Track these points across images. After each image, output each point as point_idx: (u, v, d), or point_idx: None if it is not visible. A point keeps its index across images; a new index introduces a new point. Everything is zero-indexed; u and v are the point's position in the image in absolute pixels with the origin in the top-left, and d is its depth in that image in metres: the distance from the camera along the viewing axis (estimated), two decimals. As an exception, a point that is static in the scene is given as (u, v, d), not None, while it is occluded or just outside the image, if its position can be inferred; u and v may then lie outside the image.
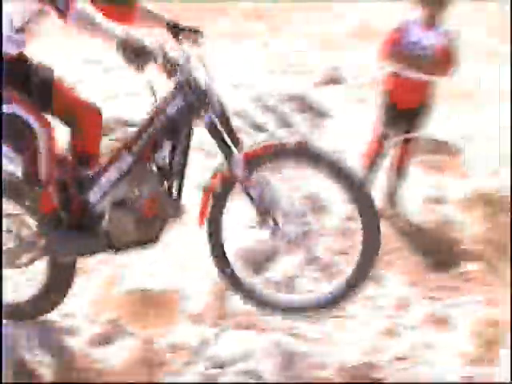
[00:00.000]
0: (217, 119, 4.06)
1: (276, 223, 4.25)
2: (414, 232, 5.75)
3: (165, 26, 4.52)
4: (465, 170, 8.91)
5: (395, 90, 6.80)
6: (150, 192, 4.21)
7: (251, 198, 4.22)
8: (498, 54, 13.40)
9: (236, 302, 4.74)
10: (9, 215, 4.50)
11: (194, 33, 4.37)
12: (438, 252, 4.69)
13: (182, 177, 4.26)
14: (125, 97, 8.54)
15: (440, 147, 9.38)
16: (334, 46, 13.36)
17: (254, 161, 4.18)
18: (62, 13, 3.97)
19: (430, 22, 6.53)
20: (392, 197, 6.92)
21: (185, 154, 4.23)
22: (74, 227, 4.31)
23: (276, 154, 4.34)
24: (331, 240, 4.83)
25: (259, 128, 7.92)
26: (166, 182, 4.26)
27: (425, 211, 7.38)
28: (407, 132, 6.94)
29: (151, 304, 4.76)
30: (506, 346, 4.38)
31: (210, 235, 4.42)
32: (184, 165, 4.26)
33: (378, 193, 7.31)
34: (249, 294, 4.44)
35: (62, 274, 4.56)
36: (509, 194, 7.28)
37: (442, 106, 8.96)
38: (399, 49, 6.59)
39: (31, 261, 4.60)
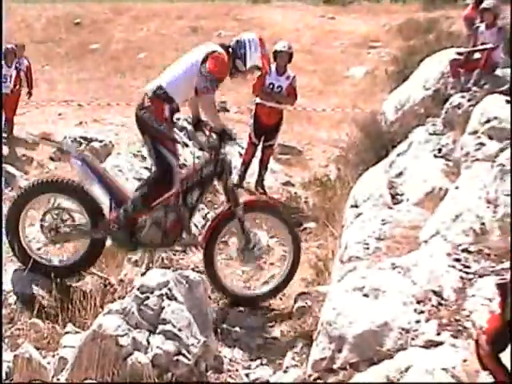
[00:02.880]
0: (230, 181, 4.76)
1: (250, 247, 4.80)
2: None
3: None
4: (305, 163, 9.14)
5: (260, 114, 6.98)
6: (175, 217, 4.64)
7: (243, 230, 4.70)
8: (322, 92, 13.74)
9: (160, 252, 4.77)
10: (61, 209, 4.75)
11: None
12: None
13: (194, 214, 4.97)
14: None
15: (289, 150, 9.62)
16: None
17: (249, 208, 4.75)
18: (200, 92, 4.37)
19: (281, 71, 6.72)
20: (260, 182, 7.16)
21: (201, 199, 4.90)
22: (128, 232, 4.67)
23: (263, 208, 4.87)
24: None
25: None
26: (188, 214, 4.69)
27: (280, 191, 7.56)
28: (268, 140, 7.08)
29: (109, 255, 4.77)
30: (330, 274, 4.56)
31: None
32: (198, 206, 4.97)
33: (252, 179, 7.48)
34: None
35: (96, 250, 4.51)
36: (333, 178, 7.52)
37: (289, 124, 9.16)
38: (263, 88, 6.80)
39: (68, 240, 4.85)
